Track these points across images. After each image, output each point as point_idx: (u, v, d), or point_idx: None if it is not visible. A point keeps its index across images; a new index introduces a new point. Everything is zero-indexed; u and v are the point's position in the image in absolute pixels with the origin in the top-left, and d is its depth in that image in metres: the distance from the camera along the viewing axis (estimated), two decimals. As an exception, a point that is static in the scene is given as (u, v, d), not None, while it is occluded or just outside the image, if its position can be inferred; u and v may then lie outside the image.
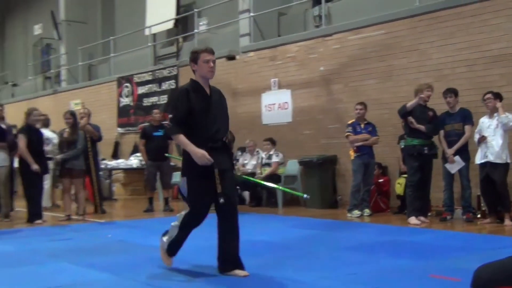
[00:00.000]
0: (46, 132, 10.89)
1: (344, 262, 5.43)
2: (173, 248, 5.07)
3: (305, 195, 5.90)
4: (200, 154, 4.64)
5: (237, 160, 12.39)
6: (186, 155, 4.80)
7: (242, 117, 13.08)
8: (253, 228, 8.15)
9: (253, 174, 11.52)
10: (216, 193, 4.72)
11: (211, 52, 4.99)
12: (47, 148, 10.35)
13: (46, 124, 11.94)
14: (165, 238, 5.11)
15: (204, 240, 5.36)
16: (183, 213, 4.97)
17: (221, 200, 4.69)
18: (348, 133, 9.59)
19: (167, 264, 5.14)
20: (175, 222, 5.01)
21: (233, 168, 5.08)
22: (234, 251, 4.90)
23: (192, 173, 4.75)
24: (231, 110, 13.17)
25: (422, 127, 8.43)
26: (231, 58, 13.40)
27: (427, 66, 9.89)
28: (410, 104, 8.43)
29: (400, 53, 10.30)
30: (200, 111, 4.80)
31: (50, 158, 10.34)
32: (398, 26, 10.37)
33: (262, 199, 11.56)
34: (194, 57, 4.96)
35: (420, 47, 10.02)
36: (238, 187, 7.46)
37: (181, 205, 12.49)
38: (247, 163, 11.97)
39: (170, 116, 4.90)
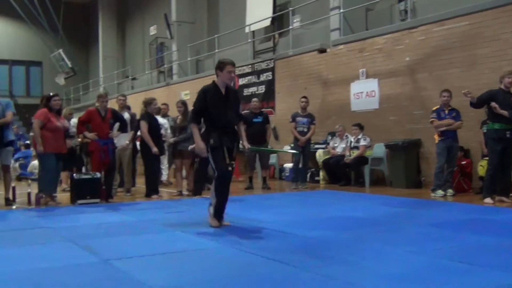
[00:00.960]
0: (159, 119, 11.18)
1: (430, 237, 5.21)
2: (218, 212, 5.97)
3: (294, 151, 6.57)
4: (201, 146, 5.89)
5: (328, 144, 12.26)
6: (204, 137, 5.91)
7: (332, 104, 12.89)
8: (344, 205, 8.05)
9: (342, 156, 11.36)
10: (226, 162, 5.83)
11: (234, 65, 6.02)
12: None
13: (159, 111, 12.28)
14: (210, 209, 6.01)
15: (292, 215, 5.31)
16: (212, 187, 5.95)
17: (230, 168, 5.87)
18: (433, 119, 9.21)
19: (215, 225, 5.92)
20: (211, 194, 5.98)
21: (236, 148, 6.02)
22: (224, 206, 6.03)
23: (211, 148, 5.81)
24: (322, 98, 13.13)
25: (505, 112, 7.93)
26: (322, 51, 13.20)
27: (509, 54, 9.31)
28: (474, 98, 8.01)
29: (483, 42, 9.74)
30: (215, 107, 5.84)
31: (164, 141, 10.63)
32: (481, 17, 9.80)
33: (351, 179, 11.36)
34: (221, 66, 5.94)
35: (502, 36, 9.44)
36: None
37: (277, 183, 12.55)
38: (336, 146, 11.82)
39: (192, 108, 6.12)
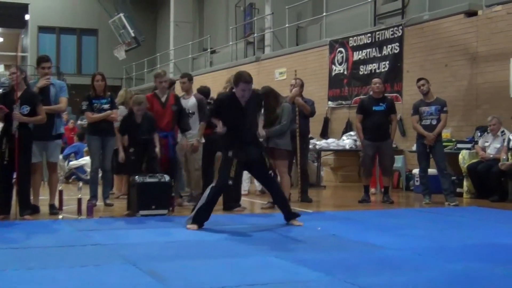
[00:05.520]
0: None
1: None
2: (201, 216, 7.46)
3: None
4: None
5: (476, 142, 11.90)
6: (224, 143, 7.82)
7: (483, 88, 12.51)
8: (497, 228, 7.84)
9: (496, 160, 10.98)
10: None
11: (249, 82, 7.55)
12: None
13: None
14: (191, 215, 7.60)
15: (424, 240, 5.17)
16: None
17: (230, 182, 7.57)
18: None
19: (192, 228, 7.36)
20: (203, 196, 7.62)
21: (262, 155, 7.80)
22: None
23: (225, 157, 7.64)
24: (469, 79, 12.78)
25: None
26: (471, 14, 12.85)
27: None
28: None
29: None
30: (232, 119, 7.57)
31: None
32: None
33: (508, 192, 10.97)
34: (236, 81, 7.59)
35: None
36: None
37: (403, 195, 12.34)
38: (488, 145, 11.44)
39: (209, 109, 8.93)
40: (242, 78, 7.54)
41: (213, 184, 7.70)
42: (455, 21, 13.23)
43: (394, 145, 12.03)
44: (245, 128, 7.60)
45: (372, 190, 11.93)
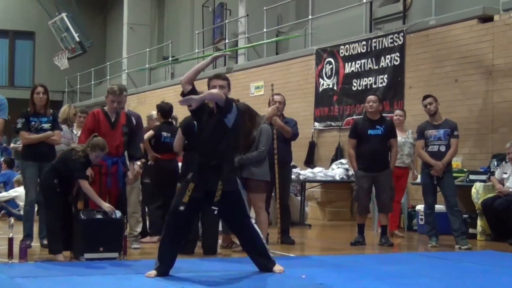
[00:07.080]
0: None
1: None
2: (160, 259, 7.34)
3: None
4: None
5: (492, 173, 11.97)
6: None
7: (500, 108, 12.63)
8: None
9: (516, 194, 11.10)
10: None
11: (220, 78, 8.00)
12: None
13: None
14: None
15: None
16: None
17: (181, 208, 7.29)
18: None
19: (152, 275, 7.24)
20: None
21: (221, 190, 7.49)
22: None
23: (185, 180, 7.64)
24: (484, 98, 12.92)
25: None
26: (486, 19, 13.02)
27: None
28: None
29: None
30: (200, 129, 7.66)
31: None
32: None
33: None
34: (208, 83, 7.93)
35: None
36: None
37: (405, 237, 12.36)
38: (507, 177, 11.51)
39: None
40: (215, 76, 8.04)
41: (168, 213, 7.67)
42: (466, 27, 13.35)
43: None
44: (207, 147, 7.51)
45: (369, 230, 11.97)
